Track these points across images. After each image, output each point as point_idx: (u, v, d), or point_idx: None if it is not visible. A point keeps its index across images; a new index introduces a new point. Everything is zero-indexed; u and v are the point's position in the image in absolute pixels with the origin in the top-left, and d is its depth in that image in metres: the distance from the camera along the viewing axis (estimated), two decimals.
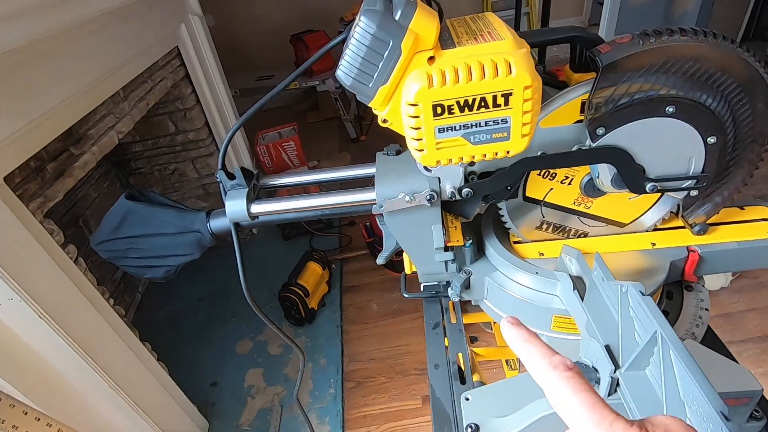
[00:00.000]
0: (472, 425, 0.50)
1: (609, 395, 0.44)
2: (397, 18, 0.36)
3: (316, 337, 1.66)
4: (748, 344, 1.39)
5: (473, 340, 0.74)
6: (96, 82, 1.11)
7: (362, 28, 0.37)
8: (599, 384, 0.44)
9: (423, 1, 0.40)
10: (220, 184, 0.60)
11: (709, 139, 0.50)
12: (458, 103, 0.39)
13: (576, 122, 0.52)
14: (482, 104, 0.39)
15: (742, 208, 0.64)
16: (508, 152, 0.42)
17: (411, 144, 0.43)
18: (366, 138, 3.12)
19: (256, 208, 0.59)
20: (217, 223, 0.64)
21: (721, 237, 0.60)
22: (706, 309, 0.60)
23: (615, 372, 0.42)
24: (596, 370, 0.45)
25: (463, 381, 0.60)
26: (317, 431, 1.34)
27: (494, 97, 0.38)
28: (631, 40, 0.47)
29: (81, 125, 1.11)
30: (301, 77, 3.00)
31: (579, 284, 0.55)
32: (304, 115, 3.61)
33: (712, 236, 0.60)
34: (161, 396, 1.21)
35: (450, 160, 0.43)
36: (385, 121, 0.43)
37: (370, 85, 0.39)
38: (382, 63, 0.38)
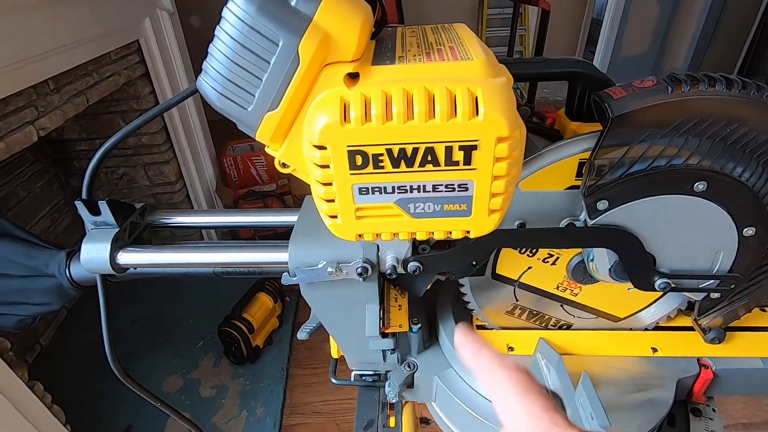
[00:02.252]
0: None
1: None
2: (293, 3, 0.22)
3: (257, 380, 1.46)
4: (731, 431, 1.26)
5: (424, 422, 0.59)
6: (12, 66, 0.94)
7: (234, 15, 0.22)
8: None
9: None
10: (82, 218, 0.44)
11: (746, 230, 0.37)
12: (390, 152, 0.24)
13: (569, 188, 0.38)
14: (428, 158, 0.24)
15: (764, 310, 0.50)
16: (467, 232, 0.27)
17: (320, 206, 0.27)
18: None
19: (126, 257, 0.42)
20: (79, 270, 0.47)
21: (741, 350, 0.46)
22: None
23: None
24: None
25: None
26: None
27: (448, 150, 0.23)
28: (655, 85, 0.34)
29: None
30: None
31: (556, 399, 0.40)
32: None
33: (729, 347, 0.46)
34: None
35: (377, 236, 0.28)
36: (284, 165, 0.28)
37: (249, 109, 0.24)
38: (267, 75, 0.23)
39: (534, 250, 0.43)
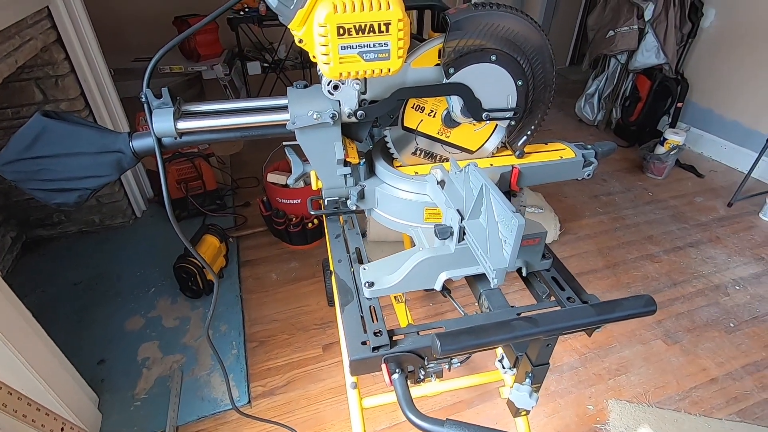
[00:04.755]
0: (369, 282, 0.67)
1: (460, 241, 0.64)
2: None
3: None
4: None
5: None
6: None
7: None
8: (453, 235, 0.65)
9: None
10: (144, 104, 0.67)
11: (518, 82, 0.76)
12: (355, 27, 0.55)
13: (435, 65, 0.73)
14: (371, 29, 0.56)
15: (546, 143, 0.93)
16: (389, 69, 0.61)
17: (320, 59, 0.58)
18: None
19: (183, 124, 0.68)
20: (139, 143, 0.71)
21: (532, 159, 0.87)
22: (524, 206, 0.87)
23: (461, 222, 0.63)
24: (451, 227, 0.65)
25: (360, 261, 0.77)
26: (221, 389, 1.38)
27: (379, 25, 0.56)
28: (468, 7, 0.70)
29: None
30: (187, 62, 2.92)
31: (441, 183, 0.76)
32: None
33: (527, 159, 0.87)
34: (54, 365, 1.14)
35: (349, 74, 0.60)
36: (300, 41, 0.58)
37: (291, 8, 0.54)
38: None
39: (422, 108, 0.78)
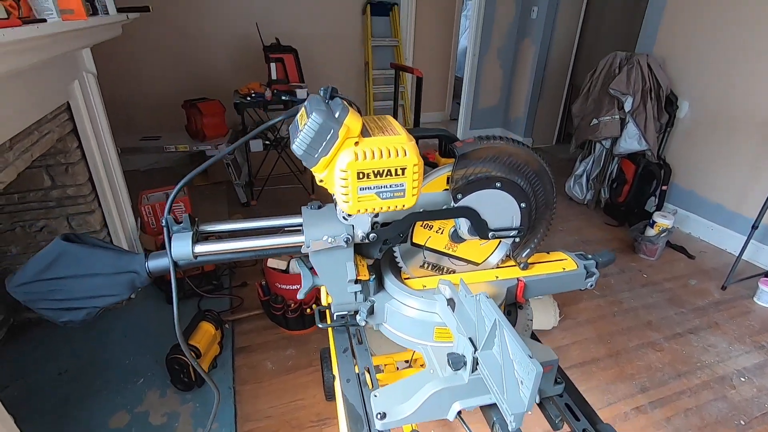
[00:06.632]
0: (381, 413, 0.66)
1: (473, 372, 0.64)
2: (336, 116, 0.57)
3: (206, 401, 1.59)
4: (573, 369, 1.79)
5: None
6: None
7: (313, 120, 0.56)
8: (467, 366, 0.64)
9: (347, 102, 0.62)
10: (165, 228, 0.69)
11: (521, 204, 0.80)
12: (373, 171, 0.59)
13: (444, 190, 0.77)
14: (388, 174, 0.60)
15: (548, 253, 0.95)
16: (404, 206, 0.64)
17: (340, 198, 0.62)
18: (256, 203, 3.19)
19: (200, 248, 0.70)
20: (155, 264, 0.72)
21: (536, 271, 0.89)
22: (531, 320, 0.87)
23: (475, 353, 0.63)
24: (464, 356, 0.65)
25: (371, 386, 0.75)
26: None
27: (395, 170, 0.60)
28: (474, 141, 0.75)
29: None
30: (193, 141, 3.03)
31: (451, 303, 0.77)
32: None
33: (531, 271, 0.89)
34: None
35: (366, 210, 0.63)
36: (321, 181, 0.62)
37: (315, 156, 0.58)
38: (325, 143, 0.57)
39: (431, 225, 0.81)
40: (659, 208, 2.91)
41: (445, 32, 5.07)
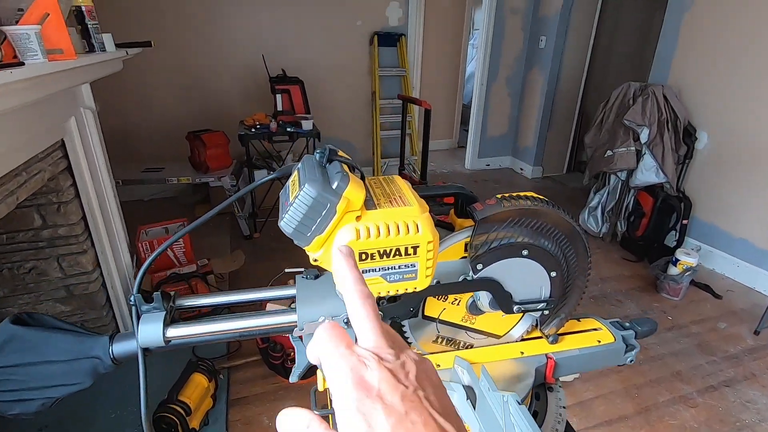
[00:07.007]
0: None
1: None
2: (334, 187, 0.47)
3: None
4: (600, 429, 1.63)
5: None
6: None
7: (305, 193, 0.46)
8: None
9: (347, 166, 0.52)
10: (133, 307, 0.59)
11: (551, 273, 0.68)
12: (379, 251, 0.49)
13: (461, 258, 0.66)
14: (396, 253, 0.49)
15: (578, 320, 0.83)
16: (415, 288, 0.53)
17: (338, 282, 0.51)
18: (259, 236, 3.10)
19: (172, 332, 0.59)
20: (121, 348, 0.61)
21: (567, 345, 0.77)
22: (564, 407, 0.75)
23: None
24: None
25: None
26: None
27: (406, 248, 0.49)
28: (495, 202, 0.65)
29: None
30: (196, 173, 2.97)
31: (470, 394, 0.65)
32: (192, 208, 3.48)
33: (561, 345, 0.77)
34: None
35: None
36: (315, 260, 0.51)
37: (308, 235, 0.47)
38: (320, 219, 0.47)
39: (446, 297, 0.70)
40: (680, 243, 2.77)
41: (453, 60, 5.07)
